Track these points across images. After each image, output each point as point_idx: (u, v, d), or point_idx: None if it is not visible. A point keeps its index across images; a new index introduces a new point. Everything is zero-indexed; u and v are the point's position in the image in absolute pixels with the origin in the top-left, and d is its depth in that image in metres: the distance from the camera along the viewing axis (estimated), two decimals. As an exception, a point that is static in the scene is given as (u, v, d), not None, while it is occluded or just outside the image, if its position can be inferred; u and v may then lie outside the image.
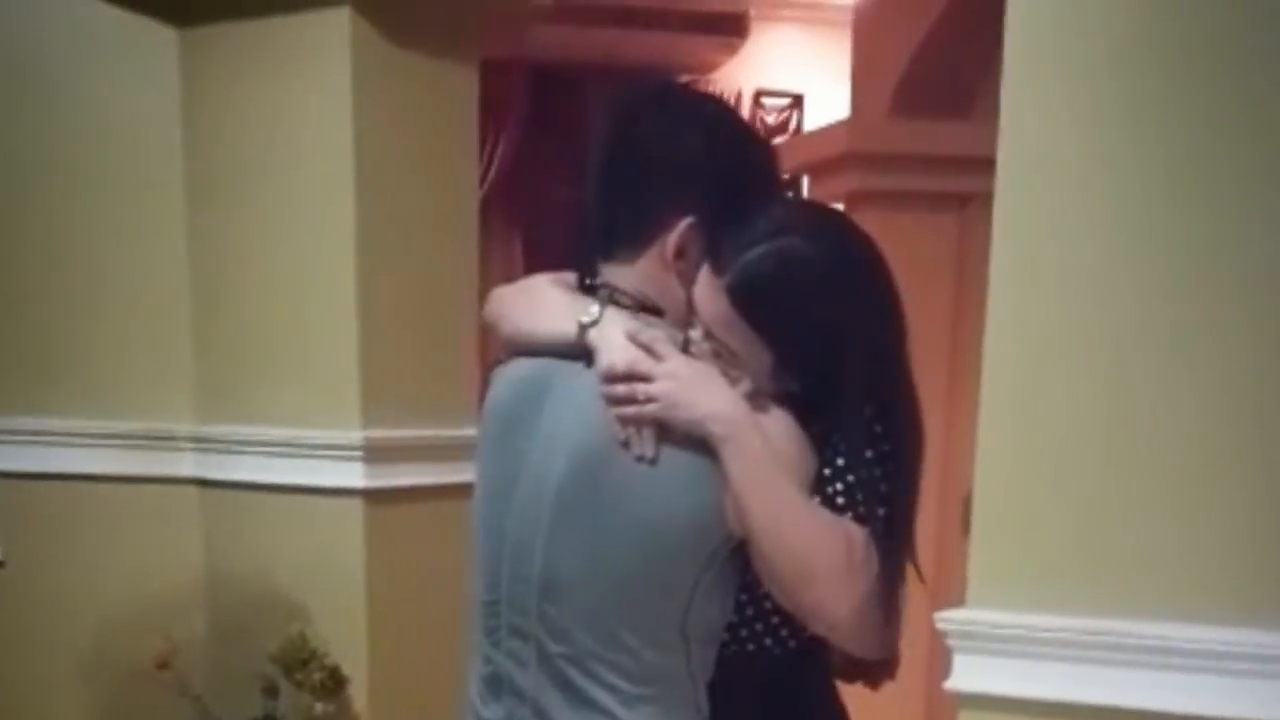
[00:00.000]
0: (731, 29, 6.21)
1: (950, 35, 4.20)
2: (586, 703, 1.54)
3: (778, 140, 6.43)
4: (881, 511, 1.57)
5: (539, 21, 2.98)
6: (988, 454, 1.81)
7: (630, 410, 1.49)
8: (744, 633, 1.65)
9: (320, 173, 2.67)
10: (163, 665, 2.75)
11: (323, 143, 2.65)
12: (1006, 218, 1.76)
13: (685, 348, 1.56)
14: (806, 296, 1.53)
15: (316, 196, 2.69)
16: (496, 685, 1.63)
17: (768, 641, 1.66)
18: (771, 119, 6.60)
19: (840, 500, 1.56)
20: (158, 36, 2.80)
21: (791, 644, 1.67)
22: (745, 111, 6.58)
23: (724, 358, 1.54)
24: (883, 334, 1.63)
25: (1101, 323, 1.73)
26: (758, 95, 6.61)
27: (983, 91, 4.25)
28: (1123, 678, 1.70)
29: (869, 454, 1.58)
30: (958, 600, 1.84)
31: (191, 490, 2.95)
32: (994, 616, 1.78)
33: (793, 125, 6.61)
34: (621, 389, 1.49)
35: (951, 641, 1.81)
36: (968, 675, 1.79)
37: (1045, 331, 1.76)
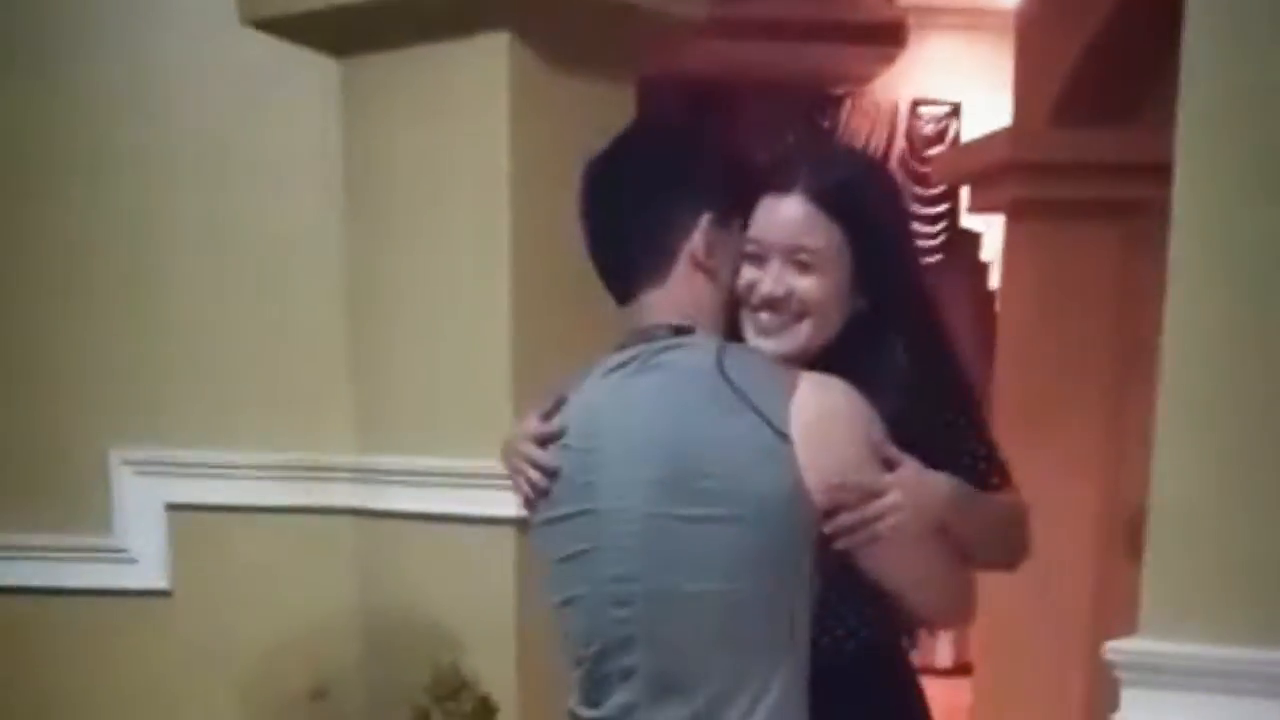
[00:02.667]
0: (889, 38, 6.11)
1: (1116, 38, 4.11)
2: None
3: (935, 150, 6.35)
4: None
5: (693, 37, 2.97)
6: (1165, 475, 1.74)
7: (863, 536, 1.46)
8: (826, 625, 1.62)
9: (476, 200, 2.70)
10: (318, 695, 2.81)
11: (480, 170, 2.67)
12: (1186, 226, 1.70)
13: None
14: (889, 193, 1.74)
15: (473, 224, 2.72)
16: None
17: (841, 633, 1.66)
18: (929, 128, 6.49)
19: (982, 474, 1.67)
20: (319, 68, 2.87)
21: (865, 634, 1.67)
22: (902, 122, 6.51)
23: (801, 269, 1.60)
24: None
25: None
26: (915, 105, 6.52)
27: (1150, 96, 4.13)
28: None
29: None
30: (1124, 629, 1.77)
31: (348, 520, 3.00)
32: (1169, 647, 1.72)
33: (950, 134, 6.50)
34: (848, 517, 1.46)
35: (1121, 673, 1.75)
36: (1138, 709, 1.73)
37: (1228, 346, 1.69)
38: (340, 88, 2.86)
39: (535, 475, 1.59)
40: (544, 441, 1.59)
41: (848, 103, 6.50)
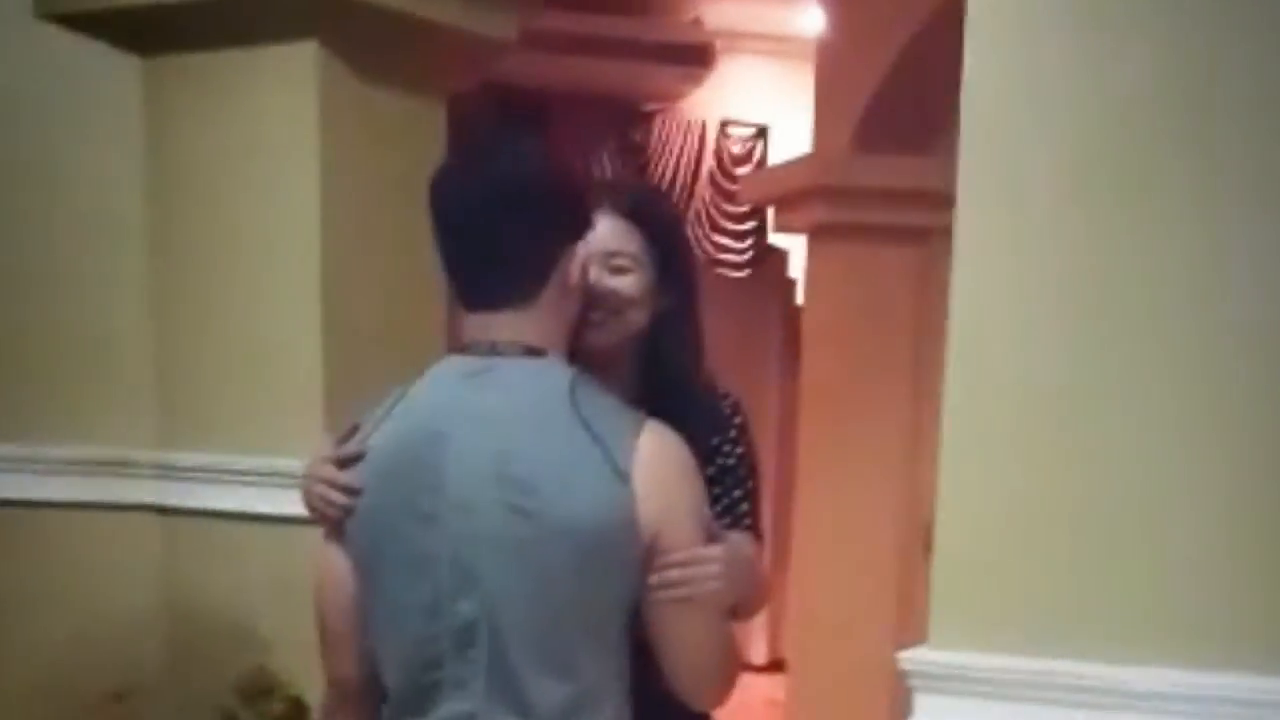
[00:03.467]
0: (697, 59, 6.26)
1: (911, 71, 4.26)
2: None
3: (742, 170, 6.49)
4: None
5: (504, 55, 2.99)
6: (948, 493, 1.84)
7: (683, 593, 1.57)
8: None
9: (286, 205, 2.67)
10: (119, 697, 2.73)
11: (289, 176, 2.64)
12: (964, 253, 1.80)
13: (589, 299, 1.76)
14: (675, 209, 2.21)
15: (282, 224, 2.68)
16: None
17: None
18: (737, 148, 6.64)
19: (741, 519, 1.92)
20: (121, 64, 2.79)
21: None
22: (711, 141, 6.65)
23: (617, 272, 1.83)
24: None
25: (1061, 360, 1.76)
26: (723, 125, 6.66)
27: (944, 127, 4.30)
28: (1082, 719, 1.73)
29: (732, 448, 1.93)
30: (921, 636, 1.85)
31: (150, 518, 2.92)
32: (955, 657, 1.80)
33: (757, 155, 6.66)
34: (676, 574, 1.57)
35: (913, 681, 1.82)
36: (929, 715, 1.81)
37: (1003, 369, 1.79)
38: (143, 85, 2.79)
39: (337, 496, 1.64)
40: (343, 464, 1.65)
41: (659, 119, 6.61)
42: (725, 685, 1.69)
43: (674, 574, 1.57)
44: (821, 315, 4.83)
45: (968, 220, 1.79)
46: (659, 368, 1.90)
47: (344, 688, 1.74)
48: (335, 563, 1.67)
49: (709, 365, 1.99)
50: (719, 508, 1.85)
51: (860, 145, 4.51)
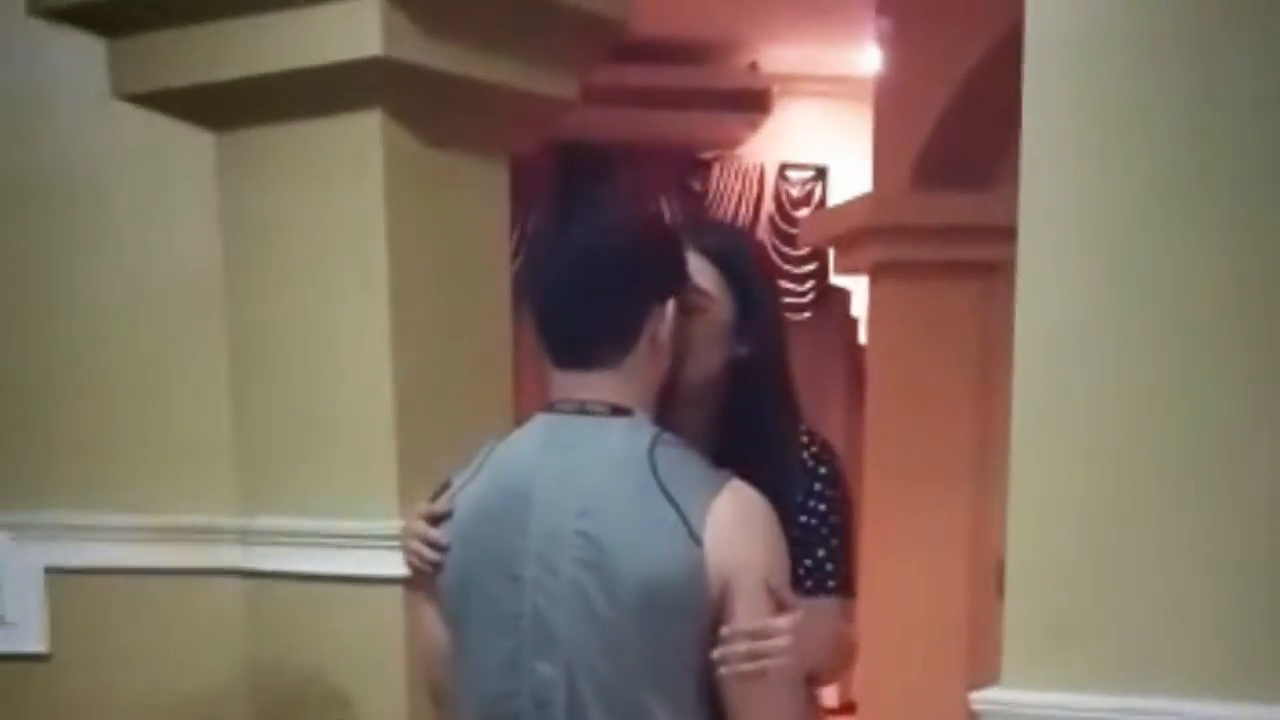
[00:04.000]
0: (754, 105, 6.30)
1: (970, 105, 4.27)
2: None
3: (802, 212, 6.52)
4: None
5: (566, 114, 3.05)
6: (1018, 530, 1.83)
7: (749, 667, 1.54)
8: None
9: (355, 270, 2.72)
10: (206, 759, 2.77)
11: (357, 241, 2.70)
12: (1028, 284, 1.80)
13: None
14: (760, 253, 2.08)
15: (353, 290, 2.73)
16: None
17: None
18: (796, 191, 6.68)
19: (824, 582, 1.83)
20: (195, 140, 2.87)
21: None
22: (770, 184, 6.68)
23: (704, 310, 1.76)
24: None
25: (1133, 386, 1.75)
26: (782, 168, 6.69)
27: (1003, 162, 4.30)
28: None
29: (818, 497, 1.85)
30: (994, 675, 1.85)
31: (235, 582, 2.98)
32: (1027, 696, 1.79)
33: (817, 196, 6.69)
34: (744, 647, 1.54)
35: (986, 721, 1.82)
36: (1004, 755, 1.80)
37: (1071, 399, 1.78)
38: (216, 158, 2.88)
39: (429, 553, 1.68)
40: (434, 521, 1.69)
41: (717, 166, 6.66)
42: None
43: (740, 647, 1.54)
44: (884, 353, 4.83)
45: (1030, 249, 1.79)
46: (736, 417, 1.84)
47: None
48: (431, 619, 1.72)
49: (805, 413, 1.94)
50: (802, 569, 1.81)
51: (919, 182, 4.52)
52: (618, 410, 1.60)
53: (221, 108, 2.77)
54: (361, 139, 2.65)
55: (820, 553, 1.84)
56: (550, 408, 1.64)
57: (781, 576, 1.60)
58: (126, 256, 2.97)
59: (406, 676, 2.77)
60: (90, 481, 2.98)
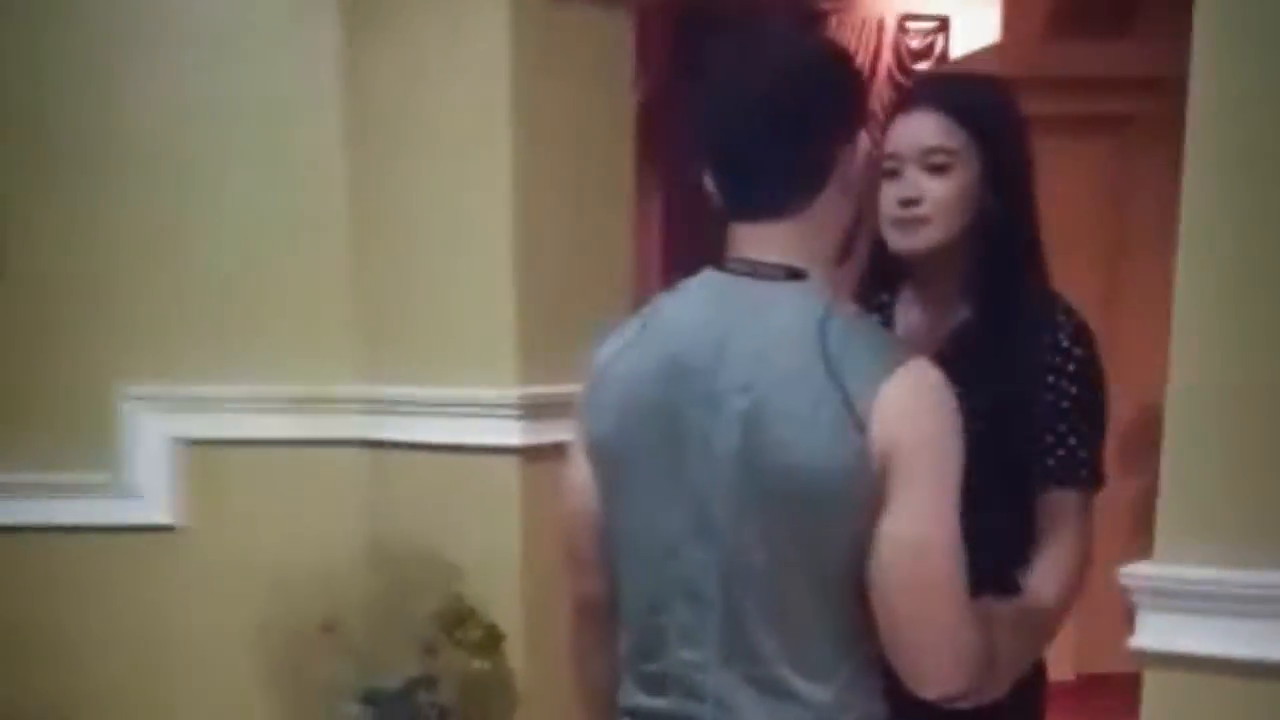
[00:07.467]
0: (873, -48, 6.07)
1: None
2: (782, 694, 1.47)
3: (922, 65, 6.30)
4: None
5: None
6: (1178, 401, 1.72)
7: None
8: None
9: (479, 129, 2.69)
10: (328, 628, 2.82)
11: (482, 96, 2.67)
12: (1201, 144, 1.66)
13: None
14: (1008, 99, 1.89)
15: (477, 153, 2.71)
16: (660, 683, 1.55)
17: None
18: (915, 43, 6.44)
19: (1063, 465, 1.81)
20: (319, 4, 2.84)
21: None
22: (889, 36, 6.46)
23: (934, 172, 1.75)
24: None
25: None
26: (902, 20, 6.45)
27: (1140, 8, 4.10)
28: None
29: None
30: (1141, 552, 1.79)
31: (356, 452, 3.01)
32: (1182, 571, 1.72)
33: (938, 49, 6.45)
34: None
35: (1138, 598, 1.76)
36: (1156, 633, 1.74)
37: (1242, 264, 1.67)
38: (340, 22, 2.85)
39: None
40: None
41: (834, 18, 6.44)
42: (958, 671, 1.44)
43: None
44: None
45: (1203, 113, 1.67)
46: (985, 277, 1.81)
47: (587, 605, 1.68)
48: (582, 484, 1.60)
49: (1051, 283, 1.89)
50: (1052, 459, 1.78)
51: (1052, 32, 4.32)
52: (792, 273, 1.46)
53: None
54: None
55: (1072, 440, 1.79)
56: (721, 265, 1.51)
57: (955, 470, 1.42)
58: (250, 121, 2.98)
59: (523, 547, 2.79)
60: (217, 353, 3.04)
